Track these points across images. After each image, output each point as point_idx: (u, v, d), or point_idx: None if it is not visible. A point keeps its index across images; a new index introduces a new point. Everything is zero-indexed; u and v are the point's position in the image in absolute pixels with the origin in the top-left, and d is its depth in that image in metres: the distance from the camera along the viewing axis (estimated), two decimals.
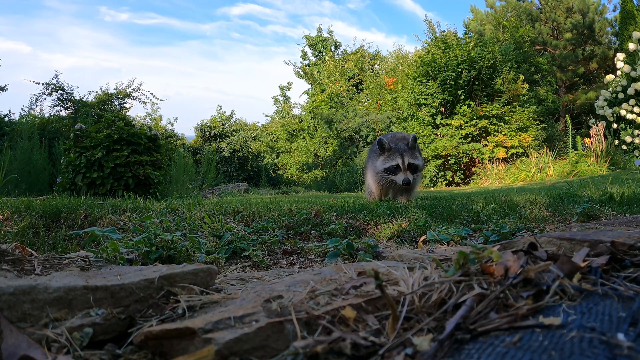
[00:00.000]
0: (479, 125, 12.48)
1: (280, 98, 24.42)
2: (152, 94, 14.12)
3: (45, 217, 2.51)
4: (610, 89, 11.65)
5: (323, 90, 21.48)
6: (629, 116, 10.87)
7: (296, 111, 23.85)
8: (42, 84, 11.93)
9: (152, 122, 20.56)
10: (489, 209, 3.02)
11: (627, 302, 0.71)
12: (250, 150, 18.93)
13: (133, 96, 13.58)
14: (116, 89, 13.39)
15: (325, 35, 24.08)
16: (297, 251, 2.15)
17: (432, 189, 11.62)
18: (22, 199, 3.31)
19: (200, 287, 0.98)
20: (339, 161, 17.95)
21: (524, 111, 12.90)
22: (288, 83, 24.51)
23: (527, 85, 13.55)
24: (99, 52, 69.38)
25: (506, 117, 12.73)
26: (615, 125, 11.08)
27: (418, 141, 6.59)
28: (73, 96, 12.03)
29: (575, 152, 10.33)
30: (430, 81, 13.17)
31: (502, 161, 11.91)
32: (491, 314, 0.70)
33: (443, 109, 13.17)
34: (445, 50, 13.49)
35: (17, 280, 0.86)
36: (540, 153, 10.61)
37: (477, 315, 0.70)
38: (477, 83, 12.96)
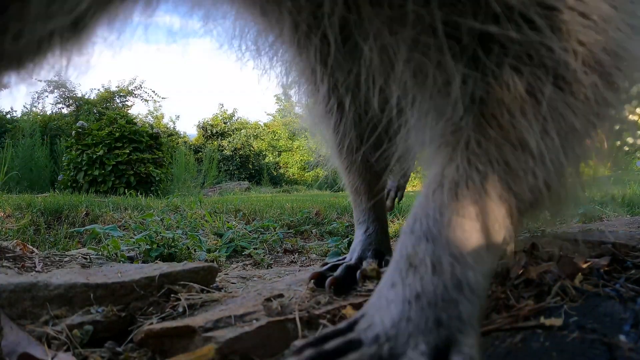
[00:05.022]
0: None
1: (282, 97, 24.38)
2: (154, 91, 14.02)
3: (46, 214, 2.52)
4: None
5: None
6: (632, 117, 10.86)
7: (298, 110, 23.76)
8: (44, 82, 11.91)
9: (154, 120, 20.46)
10: None
11: (628, 303, 0.71)
12: (251, 148, 18.90)
13: (135, 94, 13.53)
14: (118, 87, 13.33)
15: None
16: (298, 250, 2.15)
17: None
18: (24, 196, 3.32)
19: (200, 286, 0.98)
20: None
21: None
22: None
23: None
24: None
25: None
26: (617, 126, 11.07)
27: None
28: (75, 94, 12.02)
29: None
30: None
31: None
32: (493, 314, 0.70)
33: None
34: None
35: (18, 278, 0.87)
36: None
37: None
38: None
